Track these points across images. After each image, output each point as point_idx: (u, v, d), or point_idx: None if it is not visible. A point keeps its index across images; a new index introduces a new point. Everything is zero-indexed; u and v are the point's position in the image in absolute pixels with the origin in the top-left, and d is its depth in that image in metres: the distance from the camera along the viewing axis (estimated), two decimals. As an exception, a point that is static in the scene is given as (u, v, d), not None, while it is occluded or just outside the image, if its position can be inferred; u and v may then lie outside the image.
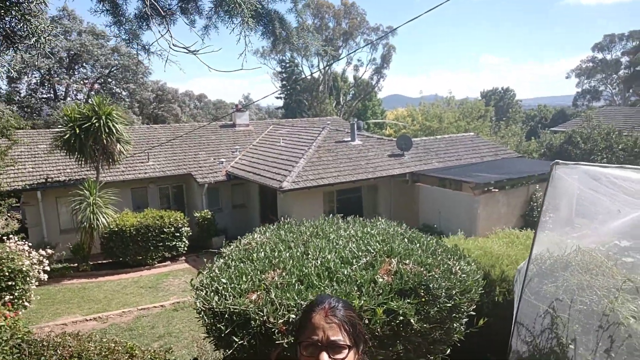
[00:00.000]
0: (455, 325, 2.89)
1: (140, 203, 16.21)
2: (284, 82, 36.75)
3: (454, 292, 2.71)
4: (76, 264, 13.64)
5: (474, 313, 3.04)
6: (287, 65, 35.78)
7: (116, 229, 13.46)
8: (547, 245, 3.08)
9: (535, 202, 14.73)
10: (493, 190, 14.11)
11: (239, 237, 3.42)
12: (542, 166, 16.90)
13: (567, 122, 32.44)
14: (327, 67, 37.64)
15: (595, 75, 48.35)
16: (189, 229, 14.52)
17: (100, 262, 14.31)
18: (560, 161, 2.91)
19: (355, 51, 38.34)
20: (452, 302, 2.70)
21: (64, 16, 27.97)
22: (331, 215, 3.89)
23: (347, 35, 37.51)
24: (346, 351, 1.31)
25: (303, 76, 37.79)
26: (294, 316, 2.35)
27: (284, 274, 2.70)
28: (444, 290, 2.66)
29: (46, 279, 10.52)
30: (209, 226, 15.26)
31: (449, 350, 3.14)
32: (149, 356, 3.70)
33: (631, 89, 45.81)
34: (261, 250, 3.09)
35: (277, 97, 36.88)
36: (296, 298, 2.44)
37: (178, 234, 14.25)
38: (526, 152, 21.97)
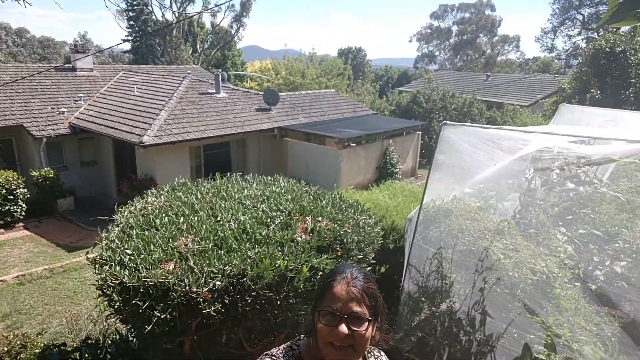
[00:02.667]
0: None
1: (-48, 162, 13.10)
2: (132, 23, 32.54)
3: (363, 244, 2.88)
4: None
5: (374, 261, 3.30)
6: (135, 2, 31.62)
7: None
8: (433, 196, 3.48)
9: (389, 155, 16.34)
10: (352, 145, 15.15)
11: (120, 206, 3.03)
12: (393, 123, 18.71)
13: (410, 83, 36.19)
14: (180, 5, 34.49)
15: (432, 41, 54.25)
16: (25, 190, 12.37)
17: None
18: (448, 122, 3.26)
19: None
20: (362, 254, 2.88)
21: None
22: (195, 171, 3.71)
23: None
24: (366, 324, 1.29)
25: (154, 17, 33.97)
26: (219, 283, 2.23)
27: (197, 239, 2.52)
28: (355, 244, 2.81)
29: None
30: (53, 186, 13.21)
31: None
32: (17, 342, 3.11)
33: (458, 55, 52.85)
34: (163, 215, 2.80)
35: (124, 40, 32.59)
36: (217, 264, 2.30)
37: (12, 197, 12.06)
38: (379, 110, 23.92)
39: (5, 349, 3.13)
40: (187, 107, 14.66)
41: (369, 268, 3.23)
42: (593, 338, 3.17)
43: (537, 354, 3.00)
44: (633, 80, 11.84)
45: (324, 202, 3.20)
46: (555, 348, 2.89)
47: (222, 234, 2.57)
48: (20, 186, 12.30)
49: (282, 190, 3.31)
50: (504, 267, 3.12)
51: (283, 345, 1.38)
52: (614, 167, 5.84)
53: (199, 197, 3.13)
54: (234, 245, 2.46)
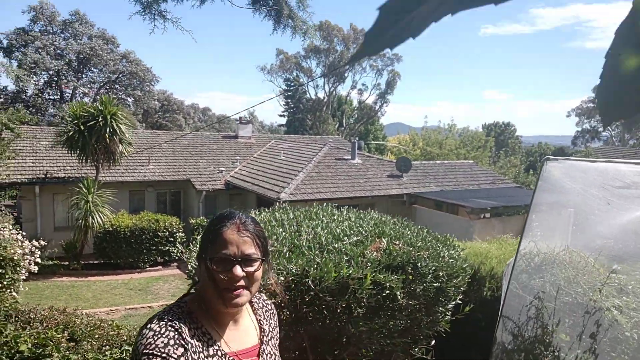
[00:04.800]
0: (440, 309, 2.92)
1: (138, 206, 16.21)
2: (288, 100, 37.22)
3: (440, 273, 2.76)
4: (67, 262, 13.54)
5: (460, 301, 3.07)
6: (292, 83, 36.31)
7: (111, 229, 13.43)
8: (536, 242, 3.14)
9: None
10: (487, 216, 14.16)
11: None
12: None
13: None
14: (332, 85, 38.19)
15: (595, 116, 49.00)
16: (183, 234, 14.49)
17: (91, 262, 14.21)
18: (551, 156, 3.00)
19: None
20: (439, 284, 2.74)
21: (75, 20, 28.56)
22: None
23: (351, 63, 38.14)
24: (257, 263, 1.32)
25: (308, 95, 38.31)
26: (282, 279, 2.39)
27: (276, 244, 2.75)
28: (431, 270, 2.70)
29: (36, 271, 10.45)
30: (204, 233, 15.21)
31: (433, 342, 3.16)
32: (134, 333, 3.68)
33: (630, 130, 46.38)
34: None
35: (281, 115, 37.31)
36: (285, 263, 2.48)
37: (172, 239, 14.21)
38: (524, 184, 22.10)
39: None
40: (322, 170, 15.80)
41: (451, 306, 3.02)
42: None
43: None
44: None
45: (408, 230, 3.18)
46: None
47: (298, 243, 2.76)
48: (180, 230, 14.45)
49: (368, 218, 3.40)
50: (620, 327, 2.60)
51: (166, 308, 1.34)
52: None
53: (291, 216, 3.41)
54: (305, 252, 2.62)
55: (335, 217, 3.42)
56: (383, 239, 2.86)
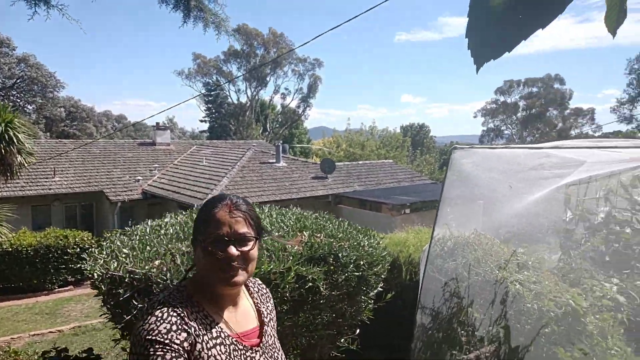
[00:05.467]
0: (363, 298, 2.97)
1: (42, 222, 14.71)
2: (210, 106, 36.20)
3: (361, 262, 2.80)
4: (-43, 290, 11.91)
5: (382, 289, 3.15)
6: (213, 87, 35.41)
7: (10, 249, 12.04)
8: (448, 227, 3.32)
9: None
10: (407, 211, 14.87)
11: (148, 220, 3.26)
12: (453, 192, 18.27)
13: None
14: (254, 90, 37.84)
15: (497, 116, 53.76)
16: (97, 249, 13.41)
17: (-12, 287, 12.62)
18: (458, 145, 3.21)
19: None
20: (360, 273, 2.79)
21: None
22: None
23: (275, 63, 38.28)
24: (252, 243, 1.33)
25: (229, 100, 37.57)
26: (199, 279, 2.28)
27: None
28: (352, 260, 2.74)
29: None
30: (121, 247, 14.22)
31: (357, 331, 3.21)
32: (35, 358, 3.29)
33: (527, 129, 51.52)
34: (170, 227, 2.97)
35: (202, 121, 36.14)
36: (203, 264, 2.36)
37: (85, 256, 13.09)
38: (439, 180, 23.55)
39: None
40: (247, 174, 15.55)
41: (373, 294, 3.09)
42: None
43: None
44: None
45: (328, 223, 3.20)
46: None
47: (216, 242, 2.65)
48: (93, 246, 13.37)
49: (289, 213, 3.37)
50: (523, 299, 2.83)
51: (166, 292, 1.33)
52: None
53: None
54: (224, 250, 2.53)
55: (256, 215, 3.35)
56: (304, 233, 2.85)
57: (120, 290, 2.21)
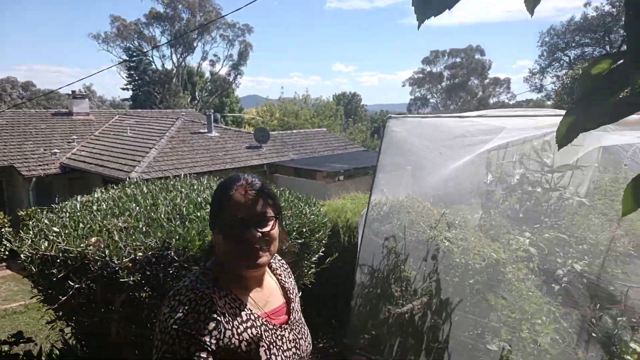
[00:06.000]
0: (306, 264, 3.07)
1: (-59, 202, 13.17)
2: (132, 72, 33.75)
3: (304, 230, 2.87)
4: None
5: (323, 253, 3.26)
6: (135, 53, 32.94)
7: None
8: (384, 193, 3.49)
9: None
10: (341, 178, 15.26)
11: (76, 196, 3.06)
12: (384, 159, 19.01)
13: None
14: (180, 56, 35.85)
15: (424, 85, 55.85)
16: (10, 229, 12.33)
17: None
18: (393, 115, 3.33)
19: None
20: (303, 240, 2.86)
21: None
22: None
23: (203, 28, 36.34)
24: (272, 222, 1.29)
25: (153, 66, 35.27)
26: (141, 254, 2.22)
27: (129, 219, 2.52)
28: (295, 227, 2.80)
29: None
30: (40, 226, 13.18)
31: (300, 293, 3.32)
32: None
33: (451, 97, 54.20)
34: (103, 203, 2.82)
35: (124, 89, 33.68)
36: (143, 238, 2.30)
37: (-3, 237, 12.00)
38: (370, 147, 24.26)
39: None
40: (177, 145, 14.92)
41: (315, 257, 3.20)
42: (551, 330, 3.08)
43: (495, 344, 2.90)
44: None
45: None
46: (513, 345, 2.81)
47: (155, 216, 2.58)
48: (6, 225, 12.27)
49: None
50: (452, 254, 3.09)
51: (192, 276, 1.29)
52: (588, 172, 5.88)
53: (144, 190, 3.15)
54: (164, 224, 2.46)
55: (195, 187, 3.27)
56: (246, 203, 2.85)
57: (54, 270, 2.09)
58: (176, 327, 1.13)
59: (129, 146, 14.72)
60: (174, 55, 37.72)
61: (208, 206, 2.82)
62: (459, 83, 53.58)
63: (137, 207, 2.67)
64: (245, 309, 1.27)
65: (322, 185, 14.74)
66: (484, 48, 53.21)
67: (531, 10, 1.21)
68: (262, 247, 1.26)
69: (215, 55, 39.83)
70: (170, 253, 2.26)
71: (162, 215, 2.60)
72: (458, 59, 53.84)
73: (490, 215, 4.44)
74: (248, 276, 1.31)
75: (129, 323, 2.26)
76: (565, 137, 0.72)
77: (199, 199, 2.89)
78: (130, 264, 2.16)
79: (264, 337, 1.26)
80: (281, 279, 1.48)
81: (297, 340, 1.38)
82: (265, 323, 1.29)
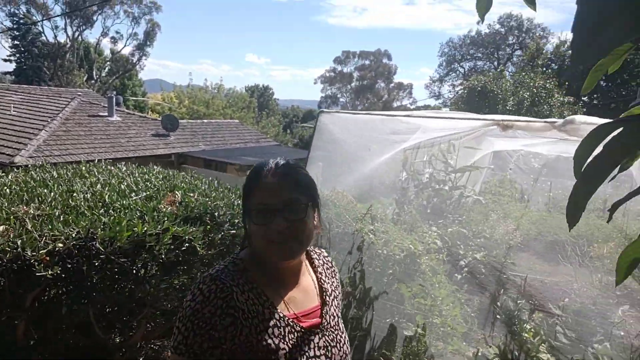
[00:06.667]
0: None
1: None
2: (17, 42, 29.66)
3: (236, 220, 2.84)
4: None
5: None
6: (21, 20, 29.00)
7: None
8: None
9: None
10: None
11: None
12: (295, 153, 19.17)
13: (314, 120, 37.82)
14: (76, 29, 32.43)
15: (335, 84, 57.48)
16: None
17: None
18: (325, 110, 3.42)
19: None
20: (235, 230, 2.82)
21: None
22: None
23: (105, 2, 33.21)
24: (304, 210, 1.18)
25: (44, 38, 31.41)
26: (61, 245, 2.01)
27: (42, 206, 2.27)
28: (227, 218, 2.75)
29: None
30: None
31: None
32: None
33: (359, 98, 56.53)
34: (7, 188, 2.49)
35: (6, 60, 29.47)
36: (62, 228, 2.09)
37: None
38: (283, 142, 24.38)
39: None
40: (73, 128, 13.53)
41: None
42: (458, 313, 3.42)
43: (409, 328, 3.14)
44: (500, 112, 13.84)
45: (199, 182, 3.12)
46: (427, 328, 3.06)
47: (73, 203, 2.35)
48: None
49: (155, 172, 3.16)
50: (375, 246, 3.27)
51: (222, 263, 1.23)
52: (481, 173, 6.56)
53: (55, 176, 2.85)
54: (86, 212, 2.26)
55: (114, 174, 3.04)
56: (177, 192, 2.72)
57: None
58: (193, 318, 1.11)
59: (13, 126, 13.01)
60: (68, 28, 33.99)
61: (133, 194, 2.65)
62: (367, 85, 56.08)
63: (51, 193, 2.41)
64: (270, 307, 1.18)
65: (234, 179, 14.45)
66: (390, 53, 56.35)
67: (482, 16, 1.36)
68: (291, 237, 1.16)
69: (117, 33, 36.80)
70: (95, 244, 2.08)
71: (82, 203, 2.38)
72: (367, 61, 56.31)
73: (404, 210, 4.78)
74: (280, 268, 1.23)
75: (42, 322, 2.05)
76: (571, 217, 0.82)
77: (122, 186, 2.69)
78: (47, 257, 1.95)
79: (287, 339, 1.17)
80: (321, 278, 1.36)
81: (329, 347, 1.25)
82: (291, 324, 1.20)
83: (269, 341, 1.14)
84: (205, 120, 20.14)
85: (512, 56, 41.34)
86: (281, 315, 1.19)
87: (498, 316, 2.83)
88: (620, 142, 0.83)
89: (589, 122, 2.36)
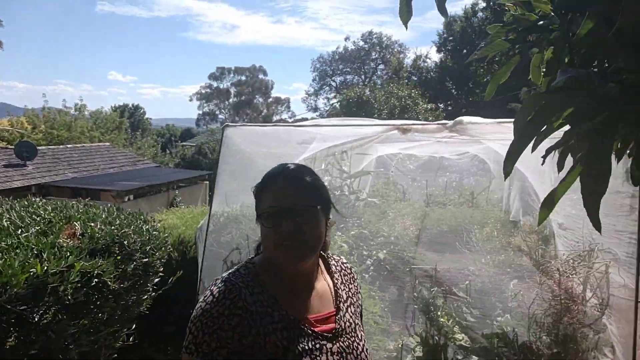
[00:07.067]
0: (148, 287, 2.77)
1: None
2: None
3: (148, 247, 2.61)
4: None
5: (162, 274, 3.00)
6: None
7: None
8: (225, 202, 3.44)
9: (176, 205, 15.67)
10: (131, 197, 14.00)
11: None
12: (178, 174, 18.22)
13: (194, 138, 36.37)
14: None
15: (212, 100, 56.29)
16: None
17: None
18: (230, 123, 3.33)
19: None
20: (147, 259, 2.59)
21: None
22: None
23: None
24: (314, 214, 1.20)
25: None
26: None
27: None
28: (138, 246, 2.51)
29: None
30: None
31: (134, 325, 2.95)
32: None
33: (238, 114, 56.20)
34: None
35: None
36: None
37: None
38: (163, 163, 22.99)
39: None
40: None
41: (157, 279, 2.92)
42: (378, 309, 3.60)
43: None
44: (377, 119, 15.02)
45: (96, 210, 2.78)
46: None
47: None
48: None
49: (41, 203, 2.74)
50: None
51: (235, 267, 1.25)
52: (369, 177, 7.03)
53: None
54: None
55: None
56: (75, 223, 2.39)
57: None
58: (202, 318, 1.13)
59: None
60: None
61: (20, 230, 2.26)
62: (245, 100, 56.00)
63: None
64: (281, 310, 1.18)
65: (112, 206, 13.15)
66: (265, 69, 57.16)
67: (405, 24, 1.51)
68: (300, 240, 1.17)
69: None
70: (-16, 294, 1.73)
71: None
72: (243, 77, 56.31)
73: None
74: (291, 273, 1.23)
75: None
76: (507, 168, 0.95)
77: (4, 223, 2.27)
78: None
79: (297, 342, 1.15)
80: (337, 284, 1.35)
81: (344, 354, 1.23)
82: (302, 327, 1.18)
83: (277, 343, 1.14)
84: (69, 145, 18.03)
85: (377, 70, 45.14)
86: (291, 318, 1.18)
87: (416, 306, 3.05)
88: (545, 109, 1.02)
89: (473, 122, 2.70)
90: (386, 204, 7.93)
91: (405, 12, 1.51)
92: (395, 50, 43.27)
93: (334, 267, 1.40)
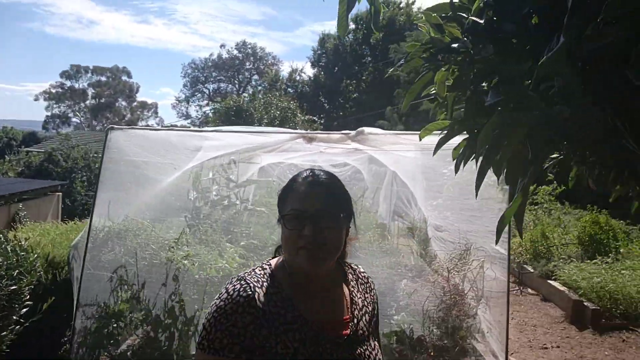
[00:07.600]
0: (15, 319, 2.30)
1: None
2: None
3: (15, 272, 2.17)
4: None
5: (30, 301, 2.53)
6: None
7: None
8: (108, 215, 3.03)
9: (19, 221, 13.44)
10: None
11: None
12: (23, 184, 15.63)
13: (42, 143, 31.62)
14: None
15: (64, 101, 49.89)
16: None
17: None
18: (116, 126, 2.96)
19: None
20: (17, 285, 2.16)
21: None
22: None
23: None
24: (336, 219, 1.21)
25: None
26: None
27: None
28: (5, 271, 2.08)
29: None
30: None
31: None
32: None
33: (97, 117, 50.78)
34: None
35: None
36: None
37: None
38: (0, 171, 19.53)
39: None
40: None
41: (25, 310, 2.44)
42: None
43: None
44: (255, 130, 15.05)
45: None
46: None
47: None
48: None
49: None
50: (190, 272, 3.05)
51: (250, 269, 1.26)
52: (250, 187, 6.97)
53: None
54: None
55: None
56: None
57: None
58: (216, 315, 1.14)
59: None
60: None
61: None
62: (105, 103, 50.87)
63: None
64: (293, 311, 1.19)
65: None
66: (130, 70, 52.81)
67: (343, 35, 1.57)
68: (320, 245, 1.18)
69: None
70: None
71: None
72: (103, 78, 51.16)
73: (200, 230, 4.63)
74: (308, 276, 1.22)
75: None
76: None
77: None
78: None
79: (307, 344, 1.16)
80: (353, 292, 1.34)
81: None
82: (314, 330, 1.19)
83: (288, 344, 1.15)
84: None
85: (251, 79, 45.18)
86: (304, 320, 1.20)
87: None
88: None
89: (373, 133, 2.87)
90: (272, 213, 7.95)
91: (344, 24, 1.57)
92: (269, 62, 43.92)
93: (350, 275, 1.41)
